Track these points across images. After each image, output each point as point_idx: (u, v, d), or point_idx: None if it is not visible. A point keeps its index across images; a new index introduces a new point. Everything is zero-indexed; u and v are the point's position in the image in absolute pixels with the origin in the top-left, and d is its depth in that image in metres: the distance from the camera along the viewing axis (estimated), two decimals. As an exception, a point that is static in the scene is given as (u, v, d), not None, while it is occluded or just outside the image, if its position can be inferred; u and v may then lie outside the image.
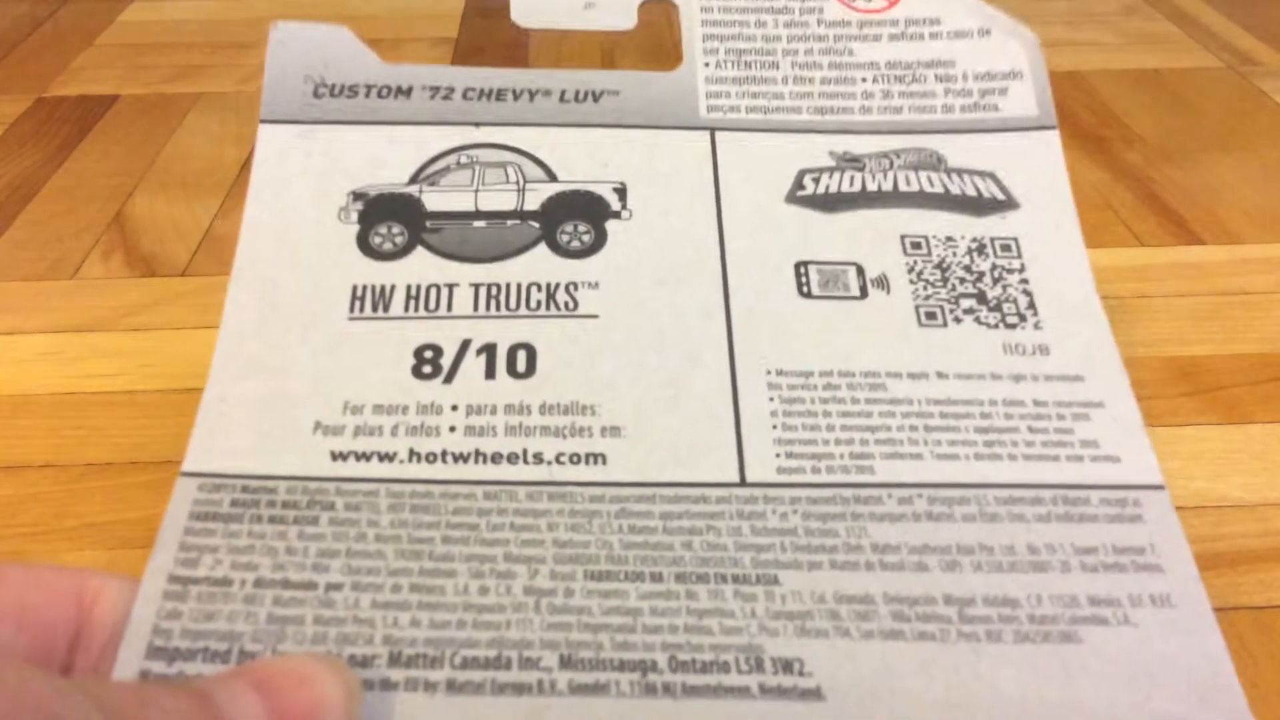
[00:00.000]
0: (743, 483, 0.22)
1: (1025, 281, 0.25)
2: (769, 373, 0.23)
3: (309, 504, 0.21)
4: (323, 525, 0.21)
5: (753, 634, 0.20)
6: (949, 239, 0.26)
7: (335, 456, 0.22)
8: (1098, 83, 0.59)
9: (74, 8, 0.72)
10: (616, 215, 0.26)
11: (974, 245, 0.26)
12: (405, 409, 0.22)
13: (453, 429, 0.22)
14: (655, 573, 0.20)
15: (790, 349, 0.24)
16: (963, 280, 0.25)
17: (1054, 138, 0.28)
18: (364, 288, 0.24)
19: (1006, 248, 0.26)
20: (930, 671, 0.19)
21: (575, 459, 0.22)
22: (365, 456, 0.22)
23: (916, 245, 0.26)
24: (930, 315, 0.24)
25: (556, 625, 0.20)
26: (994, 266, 0.25)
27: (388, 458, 0.22)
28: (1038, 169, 0.27)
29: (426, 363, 0.23)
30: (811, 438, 0.22)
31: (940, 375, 0.23)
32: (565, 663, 0.19)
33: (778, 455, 0.22)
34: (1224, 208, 0.47)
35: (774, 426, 0.23)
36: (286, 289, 0.24)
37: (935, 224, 0.26)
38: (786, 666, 0.19)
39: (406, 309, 0.24)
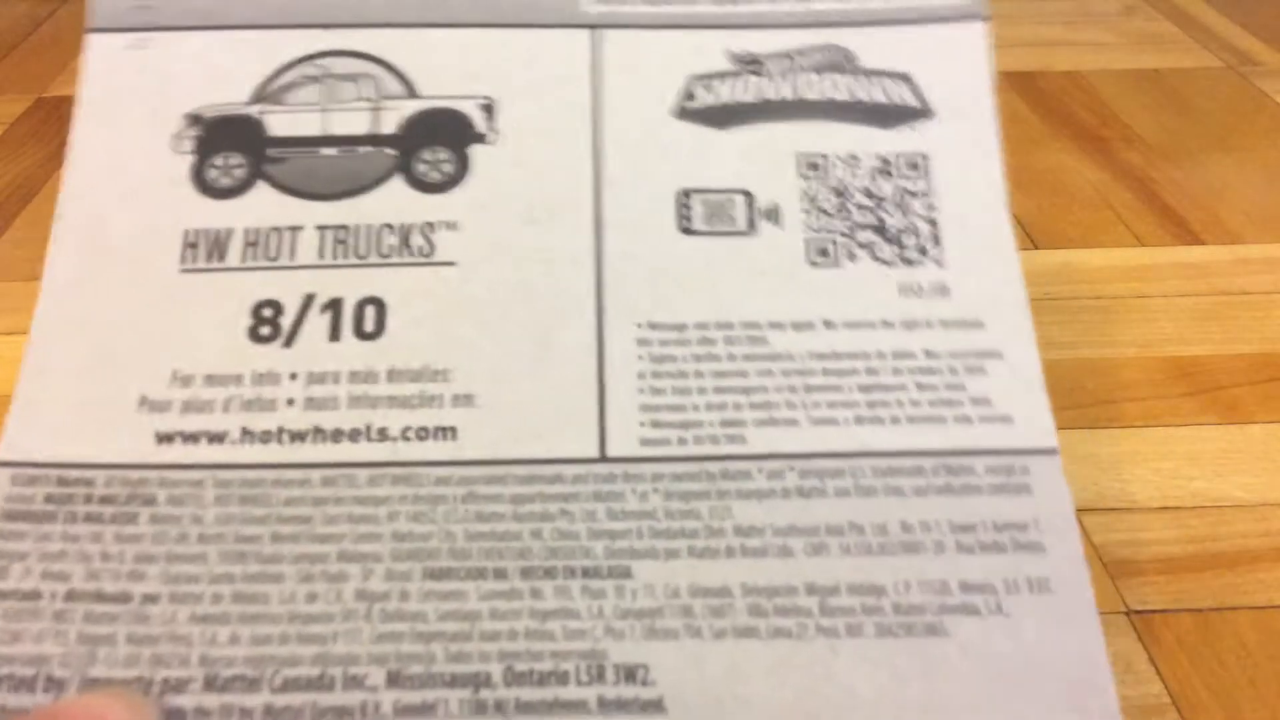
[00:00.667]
0: (603, 458, 0.20)
1: (931, 208, 0.23)
2: (639, 325, 0.21)
3: (128, 498, 0.19)
4: (142, 524, 0.19)
5: (597, 637, 0.18)
6: (851, 157, 0.23)
7: (160, 439, 0.20)
8: (1098, 83, 0.59)
9: (74, 8, 0.72)
10: (482, 138, 0.23)
11: (878, 165, 0.23)
12: (240, 379, 0.20)
13: (291, 402, 0.20)
14: (499, 568, 0.19)
15: (666, 297, 0.22)
16: (861, 208, 0.23)
17: (982, 31, 0.24)
18: (198, 233, 0.22)
19: (914, 166, 0.23)
20: (782, 673, 0.18)
21: (423, 434, 0.20)
22: (193, 438, 0.20)
23: (814, 166, 0.23)
24: (822, 252, 0.22)
25: (387, 636, 0.18)
26: (897, 190, 0.23)
27: (217, 439, 0.20)
28: (960, 69, 0.24)
29: (265, 323, 0.21)
30: (680, 403, 0.21)
31: (828, 324, 0.21)
32: (393, 680, 0.18)
33: (642, 424, 0.20)
34: (1224, 208, 0.47)
35: (640, 390, 0.21)
36: (114, 232, 0.22)
37: (837, 140, 0.23)
38: (630, 675, 0.18)
39: (244, 258, 0.22)
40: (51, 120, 0.58)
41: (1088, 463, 0.33)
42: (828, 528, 0.20)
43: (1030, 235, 0.45)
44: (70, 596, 0.18)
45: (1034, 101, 0.56)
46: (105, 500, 0.19)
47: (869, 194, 0.23)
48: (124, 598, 0.18)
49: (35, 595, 0.18)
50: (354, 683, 0.18)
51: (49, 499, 0.19)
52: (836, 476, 0.20)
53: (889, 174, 0.23)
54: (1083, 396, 0.36)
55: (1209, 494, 0.32)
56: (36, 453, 0.20)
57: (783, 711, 0.18)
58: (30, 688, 0.18)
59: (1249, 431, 0.35)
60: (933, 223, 0.22)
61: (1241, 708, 0.25)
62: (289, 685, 0.18)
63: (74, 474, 0.20)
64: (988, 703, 0.18)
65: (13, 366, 0.39)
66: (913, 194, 0.23)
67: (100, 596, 0.18)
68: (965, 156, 0.23)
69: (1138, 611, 0.28)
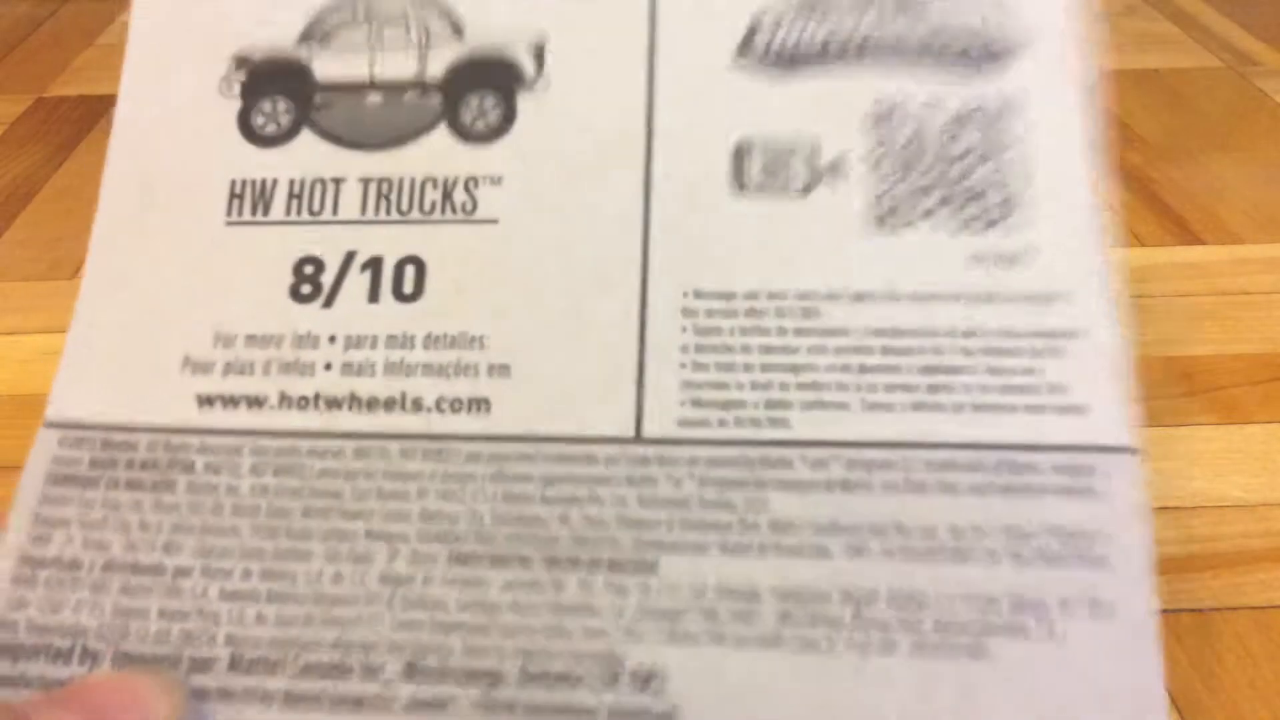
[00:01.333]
0: (638, 438, 0.19)
1: (1016, 162, 0.20)
2: (686, 294, 0.20)
3: (169, 464, 0.19)
4: (179, 493, 0.19)
5: (616, 639, 0.17)
6: (928, 105, 0.21)
7: (202, 402, 0.20)
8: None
9: (74, 8, 0.72)
10: (531, 85, 0.22)
11: (959, 113, 0.20)
12: (280, 340, 0.20)
13: (329, 366, 0.20)
14: (524, 556, 0.18)
15: (715, 263, 0.20)
16: (935, 164, 0.20)
17: None
18: (244, 183, 0.21)
19: (1000, 114, 0.20)
20: (804, 691, 0.17)
21: (457, 405, 0.20)
22: (233, 402, 0.20)
23: (885, 116, 0.21)
24: (889, 214, 0.20)
25: (407, 624, 0.18)
26: (979, 142, 0.20)
27: (256, 403, 0.20)
28: (1051, 2, 0.21)
29: (306, 280, 0.21)
30: (723, 380, 0.19)
31: (891, 296, 0.19)
32: (409, 672, 0.18)
33: (682, 403, 0.19)
34: (1224, 208, 0.47)
35: (683, 365, 0.19)
36: (161, 180, 0.22)
37: (914, 85, 0.21)
38: (645, 682, 0.17)
39: (289, 210, 0.21)
40: (51, 120, 0.58)
41: (1088, 463, 0.33)
42: (871, 527, 0.18)
43: (1030, 235, 0.45)
44: (108, 567, 0.19)
45: (1034, 101, 0.56)
46: (146, 466, 0.19)
47: (946, 147, 0.20)
48: (158, 570, 0.18)
49: (76, 565, 0.19)
50: (371, 673, 0.18)
51: (94, 463, 0.19)
52: (886, 469, 0.18)
53: (970, 124, 0.20)
54: (1083, 396, 0.36)
55: (1209, 494, 0.32)
56: (83, 414, 0.20)
57: None
58: (67, 659, 0.18)
59: (1249, 431, 0.35)
60: (1017, 180, 0.20)
61: (1241, 708, 0.25)
62: (308, 670, 0.18)
63: (119, 437, 0.20)
64: None
65: (14, 366, 0.39)
66: (997, 146, 0.20)
67: (136, 568, 0.19)
68: (1058, 101, 0.20)
69: (1138, 611, 0.28)
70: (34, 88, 0.61)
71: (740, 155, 0.21)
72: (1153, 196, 0.48)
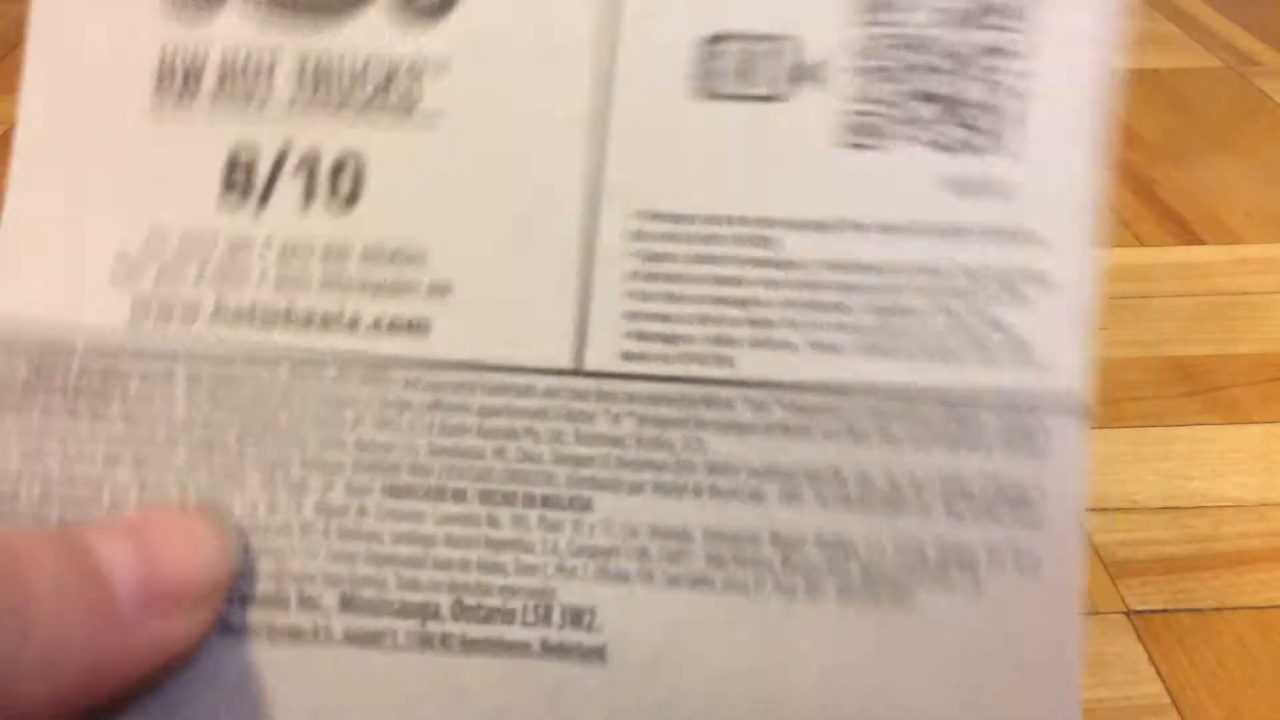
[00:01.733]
0: (578, 370, 0.19)
1: (1025, 76, 0.18)
2: (637, 214, 0.19)
3: (104, 378, 0.19)
4: (114, 413, 0.19)
5: (549, 575, 0.18)
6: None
7: (136, 309, 0.20)
8: (1098, 83, 0.59)
9: (74, 8, 0.72)
10: None
11: (969, 7, 0.18)
12: (214, 242, 0.20)
13: (263, 276, 0.20)
14: (459, 490, 0.18)
15: (672, 179, 0.19)
16: (934, 70, 0.18)
17: None
18: (173, 56, 0.20)
19: (1017, 15, 0.18)
20: (730, 632, 0.17)
21: (395, 326, 0.19)
22: (167, 311, 0.20)
23: (883, 5, 0.18)
24: (866, 129, 0.18)
25: (343, 556, 0.18)
26: (986, 48, 0.18)
27: (191, 314, 0.20)
28: None
29: (239, 175, 0.20)
30: (669, 311, 0.18)
31: (855, 226, 0.18)
32: (345, 604, 0.18)
33: (626, 335, 0.18)
34: (1224, 208, 0.47)
35: (629, 294, 0.18)
36: (84, 63, 0.21)
37: None
38: (576, 618, 0.18)
39: (219, 90, 0.20)
40: (51, 120, 0.58)
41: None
42: (808, 473, 0.18)
43: (1030, 235, 0.45)
44: (44, 500, 0.19)
45: (1034, 101, 0.56)
46: (82, 375, 0.19)
47: (949, 50, 0.18)
48: (96, 500, 0.18)
49: (14, 497, 0.19)
50: (309, 603, 0.18)
51: (28, 383, 0.19)
52: (828, 414, 0.18)
53: (981, 24, 0.18)
54: (1083, 396, 0.36)
55: (1209, 494, 0.32)
56: (16, 316, 0.20)
57: (723, 673, 0.17)
58: None
59: (1249, 431, 0.35)
60: (1016, 99, 0.18)
61: (1241, 708, 0.26)
62: (248, 600, 0.18)
63: (55, 338, 0.20)
64: (942, 688, 0.17)
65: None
66: (1006, 54, 0.18)
67: (74, 501, 0.18)
68: (1080, 25, 0.18)
69: (1138, 611, 0.28)
70: (34, 88, 0.61)
71: (711, 50, 0.19)
72: (1153, 196, 0.48)
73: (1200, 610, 0.28)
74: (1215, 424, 0.35)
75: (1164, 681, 0.26)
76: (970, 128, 0.18)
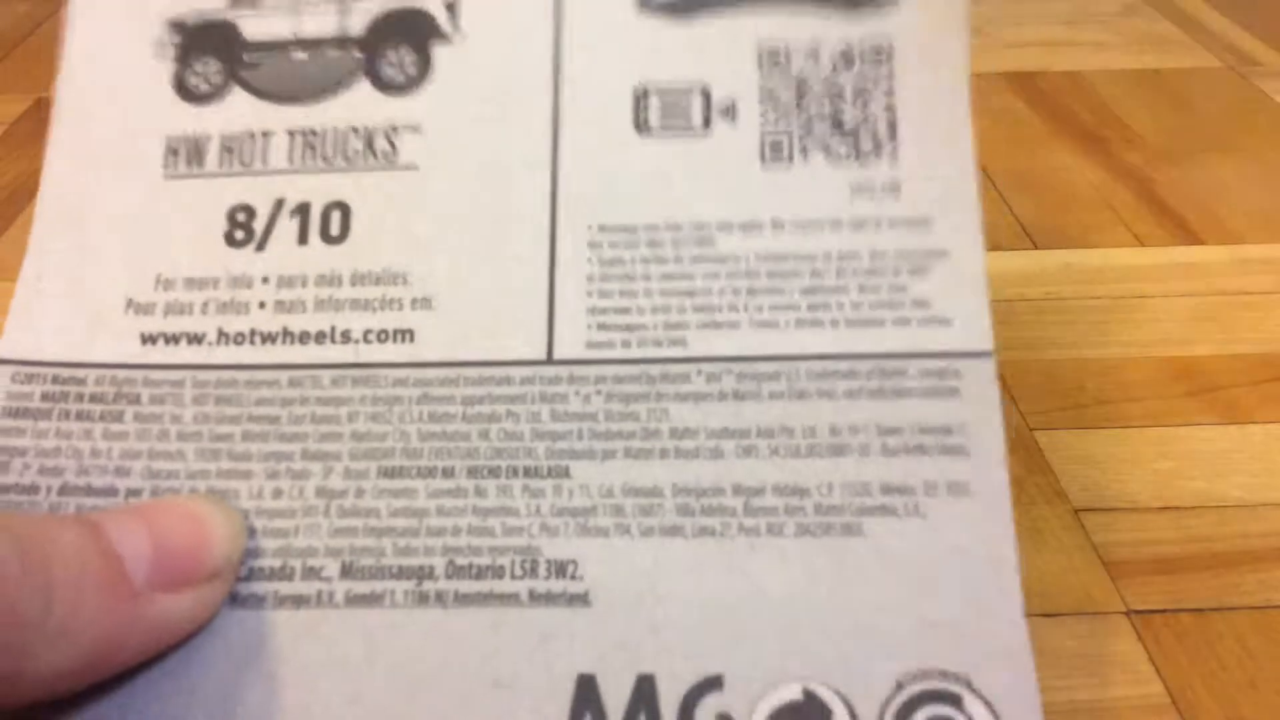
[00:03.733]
0: (549, 360, 0.21)
1: (890, 96, 0.22)
2: (591, 229, 0.22)
3: (115, 397, 0.21)
4: (127, 422, 0.21)
5: (533, 534, 0.20)
6: (813, 47, 0.22)
7: (145, 340, 0.22)
8: (1098, 83, 0.59)
9: (74, 8, 0.72)
10: (446, 37, 0.23)
11: (840, 54, 0.22)
12: (216, 282, 0.22)
13: (262, 305, 0.22)
14: (448, 467, 0.20)
15: (619, 199, 0.22)
16: (819, 101, 0.22)
17: None
18: (179, 139, 0.23)
19: (878, 54, 0.22)
20: (701, 571, 0.19)
21: (383, 336, 0.21)
22: (174, 339, 0.22)
23: (775, 59, 0.23)
24: (775, 151, 0.22)
25: (343, 530, 0.20)
26: (859, 80, 0.22)
27: (196, 340, 0.22)
28: None
29: (239, 227, 0.22)
30: (626, 305, 0.21)
31: (776, 225, 0.22)
32: (346, 571, 0.19)
33: (590, 327, 0.21)
34: (1224, 208, 0.47)
35: (589, 294, 0.21)
36: (103, 139, 0.23)
37: (800, 28, 0.23)
38: (560, 569, 0.19)
39: (221, 163, 0.23)
40: (51, 120, 0.58)
41: (1087, 463, 0.33)
42: (759, 430, 0.20)
43: (1030, 235, 0.45)
44: (63, 491, 0.20)
45: (1034, 102, 0.56)
46: (95, 399, 0.21)
47: (828, 87, 0.22)
48: (110, 491, 0.20)
49: (33, 490, 0.20)
50: (311, 573, 0.19)
51: (45, 397, 0.21)
52: (772, 379, 0.21)
53: (851, 63, 0.23)
54: (1083, 396, 0.36)
55: (1209, 494, 0.32)
56: (34, 352, 0.21)
57: (697, 607, 0.19)
58: None
59: (1249, 432, 0.35)
60: (890, 114, 0.22)
61: (1241, 708, 0.25)
62: (254, 575, 0.19)
63: (67, 373, 0.21)
64: (895, 602, 0.19)
65: (13, 366, 0.39)
66: (873, 84, 0.22)
67: (90, 490, 0.20)
68: (930, 43, 0.22)
69: (1138, 611, 0.28)
70: (34, 88, 0.61)
71: (640, 100, 0.23)
72: (1153, 196, 0.48)
73: (1200, 610, 0.28)
74: (1215, 424, 0.35)
75: (1164, 681, 0.26)
76: (857, 142, 0.22)
